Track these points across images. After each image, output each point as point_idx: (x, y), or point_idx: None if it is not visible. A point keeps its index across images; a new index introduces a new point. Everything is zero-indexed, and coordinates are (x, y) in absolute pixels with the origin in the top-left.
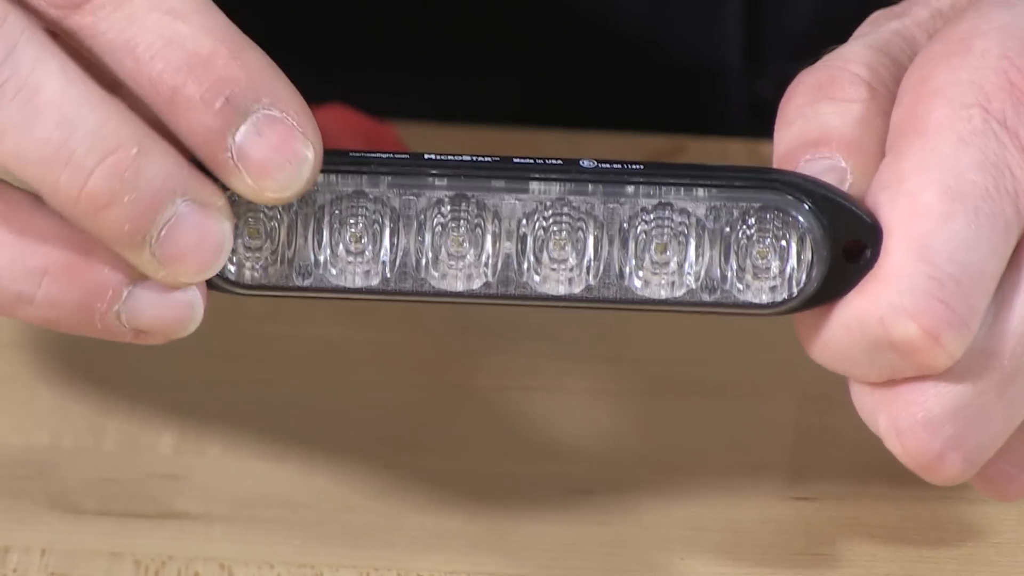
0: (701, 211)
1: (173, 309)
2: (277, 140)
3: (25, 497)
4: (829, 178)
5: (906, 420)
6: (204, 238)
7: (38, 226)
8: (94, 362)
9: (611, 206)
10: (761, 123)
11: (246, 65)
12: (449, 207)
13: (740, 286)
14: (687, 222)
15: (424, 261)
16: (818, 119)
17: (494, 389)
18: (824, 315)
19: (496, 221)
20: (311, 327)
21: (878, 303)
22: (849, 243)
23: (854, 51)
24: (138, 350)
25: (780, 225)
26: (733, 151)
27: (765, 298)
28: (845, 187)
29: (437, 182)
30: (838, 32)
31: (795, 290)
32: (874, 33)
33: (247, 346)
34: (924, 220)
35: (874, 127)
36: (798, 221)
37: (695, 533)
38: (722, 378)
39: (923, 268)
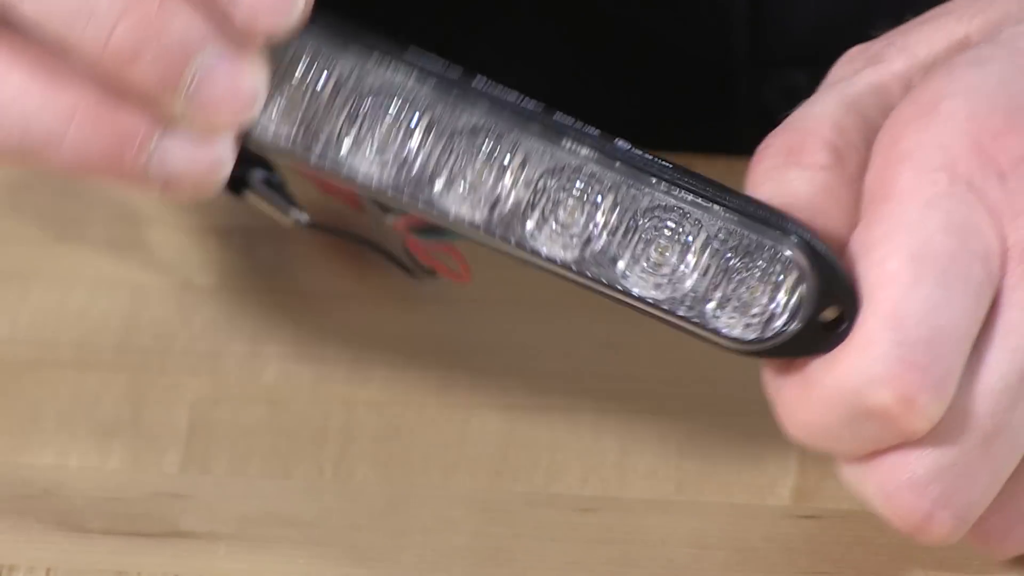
0: (713, 228)
1: (203, 161)
2: None
3: (30, 516)
4: None
5: (892, 483)
6: (237, 86)
7: (69, 70)
8: (99, 380)
9: (632, 192)
10: (766, 131)
11: None
12: (482, 136)
13: (718, 312)
14: (695, 234)
15: (441, 177)
16: (785, 185)
17: (499, 408)
18: (802, 394)
19: (522, 166)
20: (318, 348)
21: (852, 374)
22: (829, 312)
23: (824, 111)
24: (141, 365)
25: (780, 269)
26: (738, 170)
27: (736, 332)
28: None
29: (479, 105)
30: (840, 37)
31: (768, 334)
32: (848, 86)
33: (252, 364)
34: (892, 287)
35: (840, 195)
36: (798, 272)
37: (700, 551)
38: (727, 396)
39: (893, 335)
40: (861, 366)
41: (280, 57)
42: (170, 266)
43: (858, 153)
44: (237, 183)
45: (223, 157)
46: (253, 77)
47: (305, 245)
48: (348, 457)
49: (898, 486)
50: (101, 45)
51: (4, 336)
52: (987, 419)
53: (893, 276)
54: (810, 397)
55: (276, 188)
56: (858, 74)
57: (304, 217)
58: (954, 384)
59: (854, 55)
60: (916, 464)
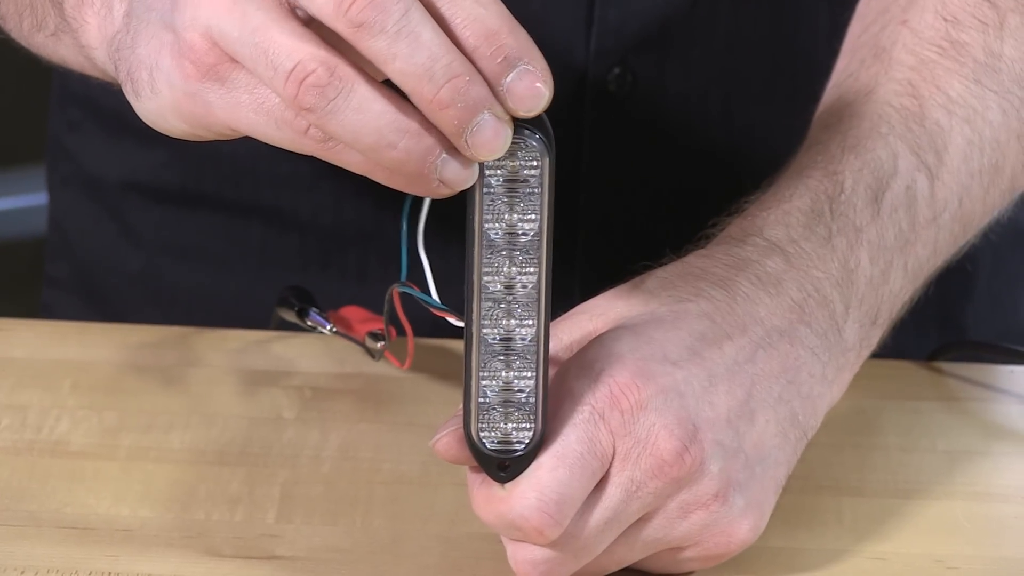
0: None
1: (467, 173)
2: (528, 83)
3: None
4: None
5: (522, 559)
6: (496, 136)
7: (408, 104)
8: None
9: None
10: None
11: (517, 37)
12: None
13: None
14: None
15: None
16: None
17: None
18: (485, 504)
19: None
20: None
21: (513, 509)
22: (501, 462)
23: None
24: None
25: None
26: None
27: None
28: None
29: None
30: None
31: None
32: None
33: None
34: (541, 470)
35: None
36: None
37: None
38: None
39: (537, 495)
40: (517, 507)
41: None
42: None
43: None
44: (303, 312)
45: (475, 173)
46: (506, 132)
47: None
48: (370, 513)
49: (523, 561)
50: (432, 95)
51: None
52: (583, 539)
53: (542, 461)
54: (490, 509)
55: (322, 316)
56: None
57: (333, 329)
58: (567, 522)
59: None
60: (536, 553)
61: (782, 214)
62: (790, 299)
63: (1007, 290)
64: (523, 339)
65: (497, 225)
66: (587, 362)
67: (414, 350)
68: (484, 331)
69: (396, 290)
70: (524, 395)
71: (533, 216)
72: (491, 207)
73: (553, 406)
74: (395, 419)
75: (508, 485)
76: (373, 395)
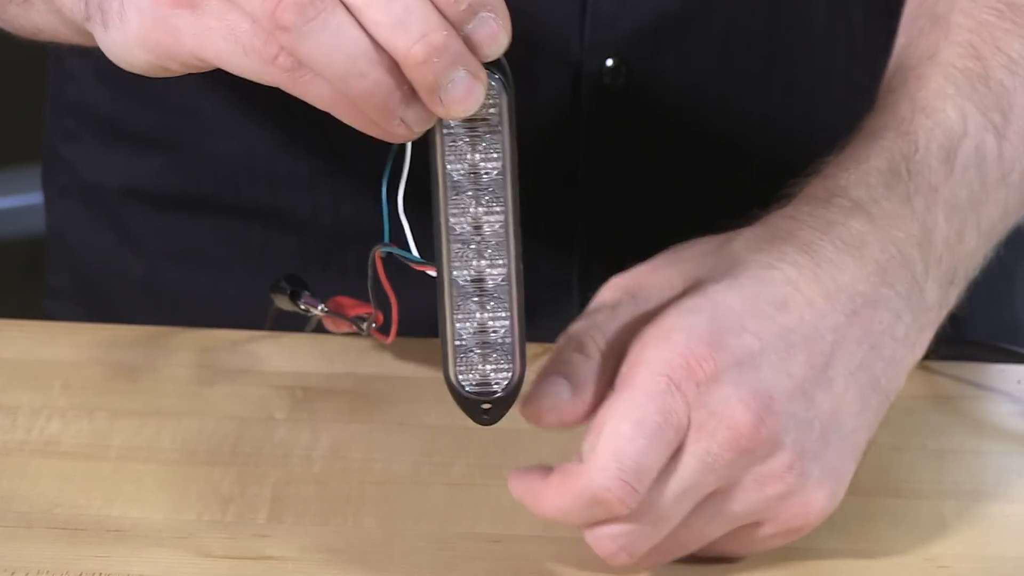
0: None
1: (425, 120)
2: (489, 31)
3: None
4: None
5: (599, 535)
6: (469, 94)
7: (379, 44)
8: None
9: None
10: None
11: None
12: None
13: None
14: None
15: None
16: (570, 362)
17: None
18: (559, 491)
19: None
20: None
21: (592, 484)
22: (481, 405)
23: (597, 323)
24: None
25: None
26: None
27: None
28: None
29: None
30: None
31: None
32: (612, 311)
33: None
34: (620, 438)
35: (598, 373)
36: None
37: None
38: None
39: (617, 464)
40: (599, 479)
41: None
42: None
43: (609, 348)
44: (295, 295)
45: (434, 115)
46: (480, 89)
47: None
48: (361, 512)
49: (603, 535)
50: (406, 49)
51: None
52: (660, 509)
53: (621, 432)
54: (566, 489)
55: (314, 296)
56: (618, 307)
57: (325, 309)
58: (644, 491)
59: (613, 290)
60: (615, 528)
61: (862, 174)
62: (874, 261)
63: (1005, 288)
64: (495, 280)
65: (460, 165)
66: (664, 331)
67: (398, 325)
68: (455, 273)
69: (378, 252)
70: (499, 336)
71: (496, 155)
72: (452, 148)
73: (629, 373)
74: (386, 419)
75: (585, 459)
76: (364, 395)
